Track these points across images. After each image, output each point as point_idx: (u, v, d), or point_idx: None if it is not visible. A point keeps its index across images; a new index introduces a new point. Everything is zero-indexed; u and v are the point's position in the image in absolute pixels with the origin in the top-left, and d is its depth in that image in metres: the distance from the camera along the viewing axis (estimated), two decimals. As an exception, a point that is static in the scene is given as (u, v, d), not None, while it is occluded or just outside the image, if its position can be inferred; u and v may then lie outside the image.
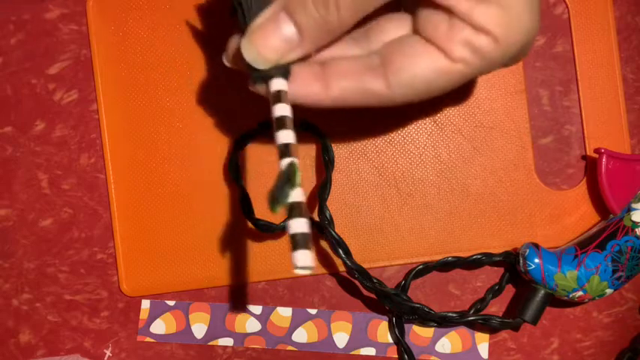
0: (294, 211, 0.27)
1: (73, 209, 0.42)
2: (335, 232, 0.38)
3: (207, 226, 0.42)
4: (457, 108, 0.42)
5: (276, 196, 0.27)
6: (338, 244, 0.38)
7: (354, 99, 0.31)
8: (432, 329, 0.41)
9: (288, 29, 0.29)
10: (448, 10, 0.29)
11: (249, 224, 0.41)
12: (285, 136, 0.29)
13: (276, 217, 0.40)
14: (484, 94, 0.42)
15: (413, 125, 0.42)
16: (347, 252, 0.38)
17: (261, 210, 0.41)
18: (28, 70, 0.43)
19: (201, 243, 0.42)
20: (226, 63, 0.32)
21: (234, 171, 0.40)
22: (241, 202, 0.40)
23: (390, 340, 0.42)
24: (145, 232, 0.42)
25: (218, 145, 0.42)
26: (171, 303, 0.42)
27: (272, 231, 0.39)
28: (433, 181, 0.42)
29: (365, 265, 0.40)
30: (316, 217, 0.40)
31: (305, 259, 0.26)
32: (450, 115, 0.42)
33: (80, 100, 0.42)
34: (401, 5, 0.32)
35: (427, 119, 0.42)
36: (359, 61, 0.31)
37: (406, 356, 0.40)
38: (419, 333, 0.42)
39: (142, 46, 0.42)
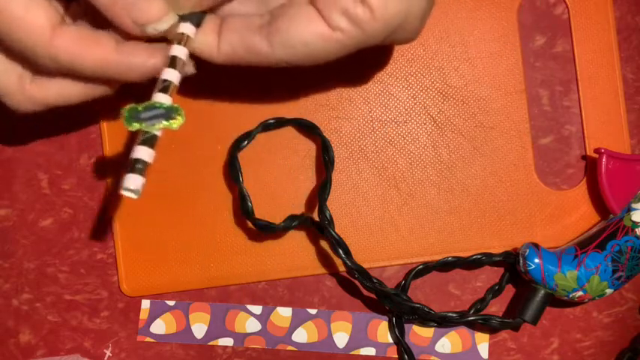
0: (147, 141, 0.29)
1: (73, 209, 0.42)
2: (335, 232, 0.38)
3: (207, 226, 0.42)
4: (457, 108, 0.42)
5: (141, 117, 0.29)
6: (338, 244, 0.38)
7: (241, 56, 0.32)
8: (432, 329, 0.41)
9: None
10: None
11: (249, 224, 0.41)
12: (171, 74, 0.30)
13: (276, 217, 0.40)
14: (484, 94, 0.42)
15: (413, 125, 0.42)
16: (347, 252, 0.38)
17: (261, 210, 0.41)
18: (28, 70, 0.43)
19: (201, 243, 0.42)
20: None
21: (234, 171, 0.40)
22: (241, 202, 0.40)
23: (390, 340, 0.42)
24: (145, 232, 0.42)
25: (218, 145, 0.42)
26: (171, 303, 0.42)
27: (272, 231, 0.39)
28: (433, 181, 0.42)
29: (365, 265, 0.40)
30: (316, 217, 0.40)
31: (133, 182, 0.28)
32: (450, 115, 0.42)
33: (80, 100, 0.42)
34: None
35: (427, 119, 0.42)
36: (251, 18, 0.32)
37: (406, 356, 0.40)
38: (419, 333, 0.42)
39: (142, 46, 0.42)
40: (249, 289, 0.42)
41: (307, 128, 0.41)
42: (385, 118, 0.42)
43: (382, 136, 0.42)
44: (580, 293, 0.38)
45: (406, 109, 0.42)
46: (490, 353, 0.42)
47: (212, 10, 0.32)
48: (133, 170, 0.28)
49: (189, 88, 0.42)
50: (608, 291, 0.39)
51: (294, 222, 0.39)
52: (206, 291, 0.42)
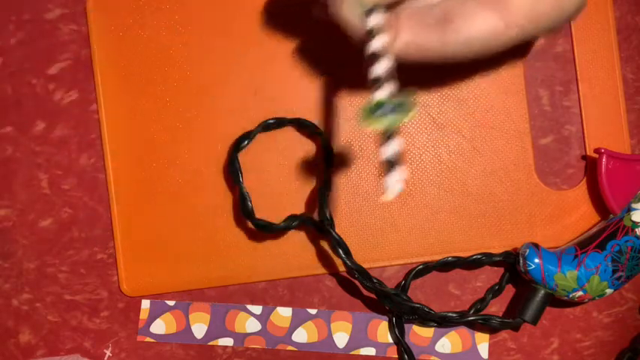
0: (392, 134, 0.28)
1: (73, 209, 0.42)
2: (335, 232, 0.38)
3: (207, 226, 0.42)
4: (457, 108, 0.42)
5: (378, 114, 0.28)
6: (338, 244, 0.38)
7: (414, 53, 0.32)
8: (432, 329, 0.41)
9: None
10: None
11: (249, 224, 0.41)
12: (383, 66, 0.30)
13: (276, 217, 0.40)
14: (484, 94, 0.42)
15: (413, 125, 0.42)
16: (347, 252, 0.38)
17: (261, 210, 0.41)
18: (28, 70, 0.43)
19: (201, 243, 0.42)
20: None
21: (234, 171, 0.40)
22: (241, 202, 0.40)
23: (390, 340, 0.42)
24: (145, 232, 0.42)
25: (218, 145, 0.42)
26: (171, 303, 0.42)
27: (272, 231, 0.39)
28: (433, 180, 0.42)
29: (365, 265, 0.40)
30: (316, 217, 0.40)
31: (398, 182, 0.27)
32: (450, 115, 0.42)
33: (80, 100, 0.42)
34: None
35: (427, 119, 0.42)
36: (424, 14, 0.32)
37: (406, 356, 0.40)
38: (419, 333, 0.42)
39: (142, 46, 0.42)
40: (249, 289, 0.42)
41: (307, 128, 0.41)
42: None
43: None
44: (580, 293, 0.38)
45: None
46: (490, 353, 0.42)
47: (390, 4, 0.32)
48: (392, 168, 0.28)
49: (190, 88, 0.42)
50: (608, 291, 0.39)
51: (294, 222, 0.39)
52: (206, 291, 0.42)
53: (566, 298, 0.39)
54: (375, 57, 0.30)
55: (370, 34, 0.31)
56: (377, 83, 0.29)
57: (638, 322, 0.42)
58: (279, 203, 0.42)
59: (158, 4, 0.42)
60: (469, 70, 0.42)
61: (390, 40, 0.31)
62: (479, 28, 0.31)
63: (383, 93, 0.29)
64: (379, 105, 0.29)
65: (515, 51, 0.40)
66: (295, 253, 0.42)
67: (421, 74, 0.41)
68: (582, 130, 0.42)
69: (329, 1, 0.32)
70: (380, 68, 0.30)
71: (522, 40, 0.32)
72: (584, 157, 0.42)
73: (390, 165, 0.28)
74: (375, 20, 0.31)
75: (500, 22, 0.31)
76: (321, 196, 0.39)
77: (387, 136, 0.28)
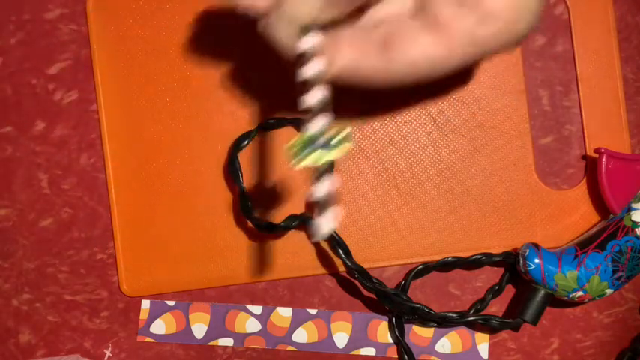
0: (324, 172, 0.26)
1: (73, 209, 0.42)
2: (335, 232, 0.38)
3: (207, 226, 0.42)
4: (457, 108, 0.42)
5: (308, 150, 0.26)
6: (338, 244, 0.38)
7: (356, 74, 0.30)
8: (432, 329, 0.41)
9: None
10: None
11: (249, 224, 0.41)
12: (317, 95, 0.28)
13: (276, 217, 0.40)
14: (484, 94, 0.42)
15: (413, 125, 0.42)
16: (347, 252, 0.38)
17: (261, 210, 0.41)
18: (28, 70, 0.43)
19: (201, 243, 0.42)
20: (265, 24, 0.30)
21: (234, 171, 0.40)
22: (241, 202, 0.40)
23: (390, 340, 0.42)
24: (145, 232, 0.42)
25: (218, 145, 0.42)
26: (171, 303, 0.42)
27: (272, 231, 0.39)
28: (433, 181, 0.42)
29: (365, 265, 0.40)
30: (316, 217, 0.40)
31: (330, 223, 0.26)
32: (450, 115, 0.42)
33: (80, 100, 0.42)
34: None
35: (427, 119, 0.42)
36: (366, 34, 0.30)
37: (406, 356, 0.40)
38: (419, 333, 0.42)
39: (142, 46, 0.42)
40: (249, 289, 0.42)
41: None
42: (385, 118, 0.42)
43: (382, 136, 0.42)
44: (580, 293, 0.38)
45: (406, 109, 0.42)
46: (490, 353, 0.42)
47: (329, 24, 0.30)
48: (325, 209, 0.26)
49: (190, 88, 0.42)
50: (608, 291, 0.39)
51: (294, 222, 0.39)
52: (206, 291, 0.42)
53: (566, 298, 0.39)
54: (308, 84, 0.28)
55: (304, 58, 0.28)
56: (309, 114, 0.27)
57: (638, 322, 0.42)
58: (279, 203, 0.42)
59: (158, 4, 0.42)
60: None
61: (327, 63, 0.29)
62: (421, 52, 0.29)
63: (315, 126, 0.27)
64: (311, 140, 0.26)
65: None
66: (295, 253, 0.42)
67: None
68: (582, 130, 0.42)
69: (261, 18, 0.29)
70: (313, 98, 0.27)
71: (468, 64, 0.30)
72: (584, 157, 0.42)
73: (322, 205, 0.26)
74: (310, 42, 0.29)
75: (442, 47, 0.29)
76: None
77: (320, 173, 0.26)
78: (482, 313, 0.41)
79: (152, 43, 0.42)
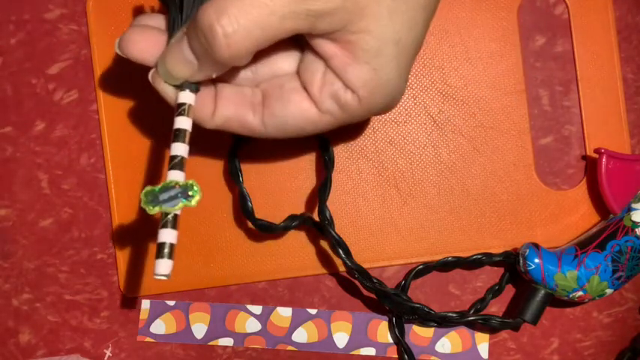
0: (169, 222, 0.29)
1: (73, 209, 0.42)
2: (335, 232, 0.38)
3: (207, 226, 0.42)
4: (457, 108, 0.42)
5: (159, 199, 0.29)
6: (338, 244, 0.38)
7: (234, 128, 0.33)
8: (432, 329, 0.41)
9: (188, 53, 0.30)
10: (325, 61, 0.31)
11: (249, 224, 0.41)
12: (180, 149, 0.31)
13: (276, 217, 0.40)
14: (484, 94, 0.42)
15: (413, 125, 0.42)
16: (347, 252, 0.38)
17: (261, 210, 0.41)
18: (28, 70, 0.43)
19: (201, 243, 0.42)
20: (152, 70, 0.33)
21: (234, 171, 0.40)
22: (241, 202, 0.40)
23: (390, 340, 0.42)
24: (145, 232, 0.42)
25: (218, 145, 0.42)
26: (171, 303, 0.42)
27: (272, 231, 0.39)
28: (433, 181, 0.42)
29: (365, 265, 0.40)
30: (316, 217, 0.40)
31: (165, 268, 0.28)
32: (450, 115, 0.42)
33: (80, 100, 0.43)
34: (295, 42, 0.33)
35: (427, 119, 0.42)
36: (245, 93, 0.33)
37: (406, 356, 0.40)
38: (419, 333, 0.42)
39: (142, 46, 0.42)
40: (249, 289, 0.42)
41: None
42: (385, 118, 0.42)
43: (382, 136, 0.42)
44: (580, 293, 0.38)
45: (406, 109, 0.42)
46: (490, 353, 0.42)
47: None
48: (161, 255, 0.28)
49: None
50: (608, 291, 0.39)
51: (294, 222, 0.39)
52: (206, 291, 0.42)
53: (566, 298, 0.39)
54: (178, 134, 0.31)
55: (179, 110, 0.31)
56: (172, 162, 0.30)
57: (638, 322, 0.42)
58: (279, 203, 0.42)
59: (158, 4, 0.42)
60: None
61: (207, 114, 0.32)
62: (292, 113, 0.32)
63: (175, 175, 0.30)
64: (165, 187, 0.29)
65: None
66: (295, 253, 0.42)
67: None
68: (582, 130, 0.42)
69: (151, 68, 0.32)
70: (180, 148, 0.30)
71: (341, 125, 0.33)
72: (584, 157, 0.42)
73: (161, 251, 0.28)
74: (185, 97, 0.31)
75: (313, 109, 0.32)
76: (321, 196, 0.39)
77: (167, 221, 0.29)
78: (482, 313, 0.41)
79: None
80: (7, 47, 0.43)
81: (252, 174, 0.42)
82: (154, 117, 0.42)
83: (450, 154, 0.42)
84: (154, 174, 0.42)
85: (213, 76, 0.31)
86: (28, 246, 0.42)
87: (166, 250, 0.28)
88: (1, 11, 0.43)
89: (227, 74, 0.33)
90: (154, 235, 0.41)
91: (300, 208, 0.42)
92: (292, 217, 0.39)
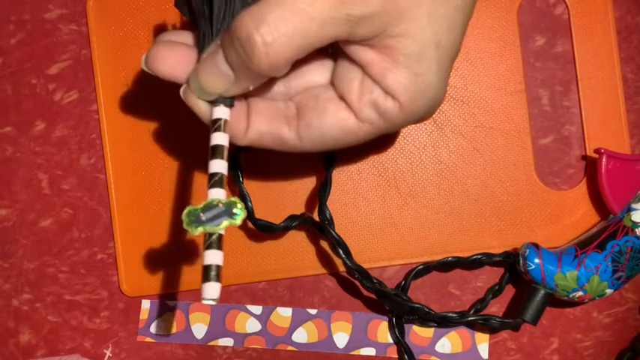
0: (214, 243, 0.27)
1: (73, 209, 0.42)
2: (335, 232, 0.38)
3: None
4: (457, 108, 0.42)
5: (202, 219, 0.27)
6: (338, 244, 0.38)
7: (267, 144, 0.32)
8: (432, 329, 0.41)
9: (224, 66, 0.29)
10: (363, 68, 0.30)
11: (249, 224, 0.41)
12: (219, 166, 0.29)
13: (276, 218, 0.40)
14: (484, 95, 0.42)
15: (413, 125, 0.42)
16: (347, 252, 0.38)
17: (261, 210, 0.41)
18: (28, 70, 0.43)
19: (201, 243, 0.42)
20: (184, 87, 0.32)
21: (235, 171, 0.40)
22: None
23: (390, 340, 0.42)
24: (145, 232, 0.42)
25: (218, 145, 0.42)
26: (171, 303, 0.42)
27: (272, 231, 0.39)
28: (433, 181, 0.42)
29: (365, 265, 0.40)
30: (316, 217, 0.40)
31: (214, 292, 0.27)
32: (450, 115, 0.42)
33: (80, 100, 0.43)
34: (328, 51, 0.33)
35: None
36: (278, 107, 0.32)
37: (406, 356, 0.40)
38: (419, 333, 0.42)
39: (142, 46, 0.42)
40: (249, 289, 0.42)
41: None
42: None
43: (382, 136, 0.42)
44: (580, 293, 0.38)
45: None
46: (490, 353, 0.42)
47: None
48: (209, 278, 0.27)
49: (189, 88, 0.42)
50: (608, 291, 0.39)
51: (294, 222, 0.39)
52: (206, 291, 0.42)
53: (566, 298, 0.39)
54: (215, 151, 0.30)
55: (215, 126, 0.30)
56: (212, 180, 0.29)
57: (638, 322, 0.42)
58: (279, 203, 0.42)
59: (158, 4, 0.42)
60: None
61: (240, 131, 0.31)
62: (329, 123, 0.31)
63: (217, 193, 0.28)
64: (208, 206, 0.28)
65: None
66: (295, 253, 0.42)
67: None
68: (582, 130, 0.42)
69: (182, 84, 0.31)
70: (219, 165, 0.29)
71: (381, 134, 0.32)
72: (584, 157, 0.42)
73: (209, 274, 0.27)
74: (220, 113, 0.30)
75: (351, 118, 0.31)
76: (321, 196, 0.39)
77: (212, 242, 0.27)
78: (482, 313, 0.41)
79: (152, 43, 0.42)
80: (7, 47, 0.43)
81: (252, 174, 0.42)
82: (154, 117, 0.42)
83: (450, 154, 0.42)
84: (154, 174, 0.42)
85: (250, 88, 0.30)
86: (28, 246, 0.42)
87: (213, 273, 0.27)
88: (1, 11, 0.43)
89: (260, 89, 0.32)
90: (154, 235, 0.42)
91: (300, 208, 0.42)
92: (292, 217, 0.39)
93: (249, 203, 0.39)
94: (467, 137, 0.42)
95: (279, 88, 0.33)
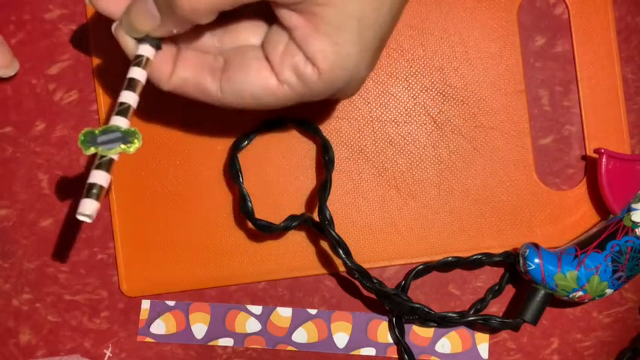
0: (104, 165, 0.29)
1: (73, 209, 0.42)
2: (335, 232, 0.38)
3: (207, 226, 0.42)
4: (457, 108, 0.42)
5: (97, 141, 0.29)
6: (338, 244, 0.38)
7: (190, 92, 0.33)
8: (432, 329, 0.41)
9: (152, 7, 0.30)
10: (289, 33, 0.31)
11: (249, 224, 0.41)
12: (129, 97, 0.31)
13: (276, 218, 0.40)
14: (484, 95, 0.42)
15: (413, 125, 0.42)
16: (347, 252, 0.38)
17: (261, 210, 0.41)
18: (28, 70, 0.43)
19: (201, 243, 0.42)
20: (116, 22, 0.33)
21: (234, 171, 0.40)
22: (241, 202, 0.40)
23: (390, 340, 0.42)
24: (144, 232, 0.42)
25: (218, 145, 0.42)
26: (171, 303, 0.42)
27: (272, 231, 0.39)
28: (433, 181, 0.42)
29: (365, 265, 0.40)
30: (316, 217, 0.40)
31: (90, 208, 0.28)
32: (450, 115, 0.42)
33: (80, 100, 0.43)
34: (264, 17, 0.34)
35: (427, 119, 0.42)
36: (206, 57, 0.33)
37: (406, 356, 0.40)
38: (419, 333, 0.42)
39: (142, 46, 0.42)
40: (249, 289, 0.42)
41: (307, 128, 0.41)
42: (385, 118, 0.42)
43: (382, 136, 0.42)
44: (580, 293, 0.38)
45: (406, 109, 0.42)
46: (490, 353, 0.42)
47: (169, 38, 0.33)
48: (88, 195, 0.28)
49: (189, 88, 0.42)
50: (608, 291, 0.39)
51: (294, 222, 0.39)
52: (206, 291, 0.42)
53: (566, 298, 0.39)
54: (129, 84, 0.31)
55: (135, 61, 0.32)
56: (118, 108, 0.30)
57: (638, 322, 0.42)
58: (279, 203, 0.42)
59: (158, 4, 0.42)
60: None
61: (165, 73, 0.33)
62: (250, 79, 0.32)
63: (118, 120, 0.30)
64: (105, 130, 0.29)
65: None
66: (295, 253, 0.42)
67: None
68: (582, 130, 0.42)
69: (114, 21, 0.33)
70: (128, 96, 0.31)
71: (302, 101, 0.33)
72: (584, 157, 0.42)
73: (89, 191, 0.28)
74: (144, 50, 0.32)
75: (272, 78, 0.32)
76: (321, 196, 0.39)
77: (101, 163, 0.29)
78: (482, 313, 0.41)
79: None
80: (7, 47, 0.43)
81: (252, 174, 0.42)
82: (154, 117, 0.42)
83: (450, 154, 0.42)
84: (154, 174, 0.42)
85: (174, 31, 0.31)
86: (28, 246, 0.42)
87: (94, 192, 0.28)
88: (1, 11, 0.43)
89: (192, 38, 0.33)
90: (154, 235, 0.42)
91: (300, 208, 0.42)
92: (292, 217, 0.39)
93: (249, 203, 0.39)
94: (467, 137, 0.42)
95: (212, 41, 0.34)
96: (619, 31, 0.42)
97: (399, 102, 0.42)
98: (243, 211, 0.40)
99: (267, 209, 0.41)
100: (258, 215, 0.40)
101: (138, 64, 0.32)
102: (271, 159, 0.42)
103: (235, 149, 0.41)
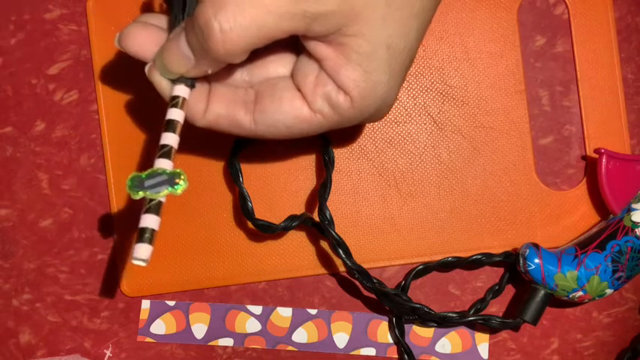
0: (153, 208, 0.29)
1: (73, 209, 0.42)
2: (335, 232, 0.38)
3: (207, 226, 0.42)
4: (457, 108, 0.42)
5: (144, 185, 0.29)
6: (338, 244, 0.38)
7: (224, 126, 0.34)
8: (432, 329, 0.41)
9: (185, 48, 0.30)
10: (319, 63, 0.31)
11: (249, 224, 0.41)
12: (170, 139, 0.31)
13: (276, 218, 0.40)
14: (484, 95, 0.42)
15: (413, 125, 0.42)
16: (347, 252, 0.38)
17: (262, 210, 0.41)
18: (28, 70, 0.43)
19: (201, 243, 0.42)
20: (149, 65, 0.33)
21: (234, 171, 0.40)
22: (241, 202, 0.40)
23: (390, 341, 0.42)
24: (145, 232, 0.42)
25: (218, 145, 0.42)
26: (171, 303, 0.42)
27: (272, 231, 0.39)
28: (433, 181, 0.42)
29: (365, 265, 0.40)
30: (316, 217, 0.40)
31: (144, 253, 0.28)
32: (450, 115, 0.42)
33: (80, 100, 0.43)
34: (292, 47, 0.34)
35: (427, 119, 0.42)
36: (238, 92, 0.33)
37: (406, 356, 0.40)
38: (419, 333, 0.42)
39: (142, 46, 0.42)
40: (249, 289, 0.42)
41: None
42: (385, 118, 0.42)
43: (382, 136, 0.42)
44: (580, 293, 0.38)
45: (406, 109, 0.42)
46: (490, 353, 0.42)
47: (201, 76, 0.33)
48: (141, 240, 0.29)
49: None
50: (608, 291, 0.39)
51: (294, 222, 0.39)
52: (206, 291, 0.42)
53: (566, 298, 0.39)
54: (169, 125, 0.31)
55: (172, 102, 0.32)
56: (161, 151, 0.30)
57: (638, 322, 0.42)
58: (280, 203, 0.42)
59: (158, 4, 0.42)
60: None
61: (199, 111, 0.33)
62: (283, 110, 0.32)
63: (162, 163, 0.30)
64: (151, 174, 0.29)
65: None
66: (295, 253, 0.42)
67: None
68: (582, 130, 0.42)
69: (147, 62, 0.33)
70: (170, 138, 0.31)
71: (335, 127, 0.33)
72: (584, 157, 0.42)
73: (142, 236, 0.29)
74: (179, 91, 0.32)
75: (304, 108, 0.32)
76: (321, 196, 0.39)
77: (150, 207, 0.29)
78: (482, 313, 0.41)
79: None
80: (7, 47, 0.43)
81: (253, 174, 0.42)
82: (154, 117, 0.42)
83: (450, 154, 0.42)
84: (154, 174, 0.42)
85: (209, 72, 0.31)
86: (28, 246, 0.42)
87: (147, 236, 0.29)
88: (1, 11, 0.43)
89: (223, 75, 0.34)
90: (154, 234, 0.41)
91: (300, 209, 0.42)
92: (292, 217, 0.39)
93: (249, 203, 0.39)
94: (467, 137, 0.42)
95: (242, 75, 0.34)
96: (619, 31, 0.42)
97: (399, 102, 0.42)
98: (243, 211, 0.40)
99: (268, 209, 0.41)
100: (258, 215, 0.40)
101: (175, 105, 0.32)
102: (271, 159, 0.42)
103: (235, 149, 0.41)
